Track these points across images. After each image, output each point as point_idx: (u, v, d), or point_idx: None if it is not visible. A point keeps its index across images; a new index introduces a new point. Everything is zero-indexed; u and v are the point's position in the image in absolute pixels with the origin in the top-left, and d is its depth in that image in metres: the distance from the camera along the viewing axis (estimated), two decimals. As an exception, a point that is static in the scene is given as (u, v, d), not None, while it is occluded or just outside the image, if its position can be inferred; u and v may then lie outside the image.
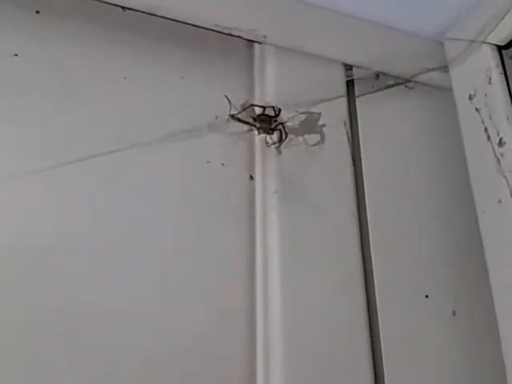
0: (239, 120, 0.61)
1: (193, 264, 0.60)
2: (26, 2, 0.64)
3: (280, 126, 0.63)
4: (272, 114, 0.63)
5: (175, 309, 0.57)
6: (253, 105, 0.63)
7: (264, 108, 0.63)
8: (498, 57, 0.72)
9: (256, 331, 0.60)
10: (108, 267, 0.57)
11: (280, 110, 0.63)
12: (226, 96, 0.61)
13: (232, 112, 0.62)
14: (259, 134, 0.63)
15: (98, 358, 0.53)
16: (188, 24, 0.68)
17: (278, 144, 0.64)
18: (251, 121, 0.62)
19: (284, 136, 0.63)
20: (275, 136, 0.63)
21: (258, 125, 0.62)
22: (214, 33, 0.69)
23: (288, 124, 0.66)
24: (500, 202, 0.66)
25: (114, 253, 0.58)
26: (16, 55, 0.62)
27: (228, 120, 0.62)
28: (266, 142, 0.64)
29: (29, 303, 0.53)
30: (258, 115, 0.63)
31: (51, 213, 0.57)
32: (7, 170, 0.57)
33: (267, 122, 0.62)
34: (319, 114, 0.68)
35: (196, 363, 0.56)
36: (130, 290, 0.56)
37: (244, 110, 0.61)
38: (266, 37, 0.70)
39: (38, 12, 0.64)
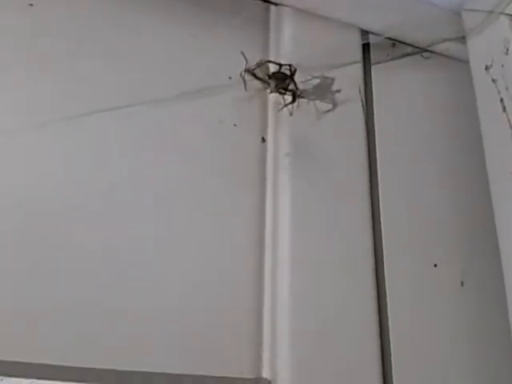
0: (254, 75, 0.60)
1: (203, 224, 0.59)
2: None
3: (294, 87, 0.62)
4: (288, 73, 0.62)
5: (184, 270, 0.57)
6: (269, 61, 0.62)
7: (280, 66, 0.62)
8: (516, 28, 0.71)
9: (264, 293, 0.59)
10: (117, 225, 0.56)
11: (296, 70, 0.62)
12: (241, 52, 0.60)
13: (247, 67, 0.60)
14: (271, 92, 0.62)
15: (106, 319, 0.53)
16: (203, -17, 0.67)
17: (290, 105, 0.63)
18: (266, 78, 0.61)
19: (297, 97, 0.62)
20: (288, 96, 0.62)
21: (272, 82, 0.61)
22: (231, -6, 0.68)
23: (302, 87, 0.65)
24: (513, 173, 0.65)
25: (123, 209, 0.57)
26: (31, 5, 0.61)
27: (242, 75, 0.61)
28: (279, 103, 0.63)
29: (37, 255, 0.52)
30: (273, 73, 0.62)
31: (60, 166, 0.56)
32: (17, 121, 0.56)
33: (282, 80, 0.61)
34: (333, 78, 0.67)
35: (201, 327, 0.55)
36: (137, 249, 0.56)
37: (259, 66, 0.60)
38: (282, -2, 0.70)
39: (52, -38, 0.63)
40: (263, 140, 0.65)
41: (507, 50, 0.70)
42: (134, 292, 0.54)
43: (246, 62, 0.60)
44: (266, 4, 0.71)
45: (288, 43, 0.69)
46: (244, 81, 0.60)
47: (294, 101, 0.61)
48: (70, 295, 0.52)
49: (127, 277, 0.55)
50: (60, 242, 0.53)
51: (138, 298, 0.54)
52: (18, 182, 0.55)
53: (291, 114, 0.62)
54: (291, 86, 0.61)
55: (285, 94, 0.61)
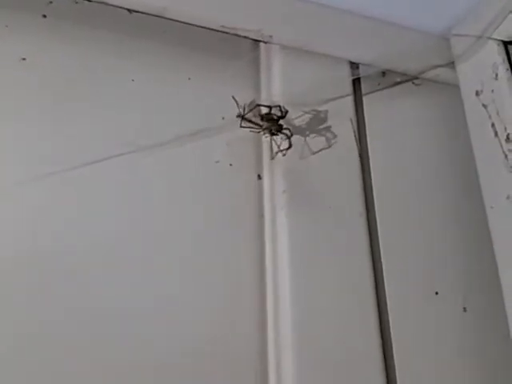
0: (247, 120, 0.61)
1: (202, 263, 0.60)
2: (33, 6, 0.64)
3: (287, 131, 0.63)
4: (278, 113, 0.63)
5: (185, 309, 0.58)
6: (259, 105, 0.63)
7: (270, 108, 0.63)
8: (504, 52, 0.72)
9: (267, 331, 0.60)
10: (120, 269, 0.57)
11: (287, 112, 0.63)
12: (233, 97, 0.61)
13: (239, 112, 0.61)
14: (264, 134, 0.63)
15: (109, 359, 0.54)
16: (194, 25, 0.68)
17: (283, 149, 0.64)
18: (258, 121, 0.62)
19: (289, 141, 0.63)
20: (280, 138, 0.63)
21: (264, 125, 0.62)
22: (220, 34, 0.69)
23: (295, 123, 0.66)
24: (509, 197, 0.66)
25: (126, 254, 0.58)
26: (24, 59, 0.62)
27: (237, 120, 0.62)
28: (271, 149, 0.64)
29: (44, 308, 0.53)
30: (265, 114, 0.63)
31: (63, 217, 0.57)
32: (16, 175, 0.57)
33: (273, 121, 0.62)
34: (326, 112, 0.69)
35: (205, 364, 0.56)
36: (140, 290, 0.57)
37: (251, 110, 0.61)
38: (271, 36, 0.71)
39: (44, 16, 0.65)
40: (259, 177, 0.66)
41: (496, 74, 0.71)
42: (141, 336, 0.55)
43: (238, 106, 0.61)
44: (255, 42, 0.72)
45: (279, 80, 0.70)
46: (234, 126, 0.61)
47: (289, 146, 0.62)
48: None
49: (133, 322, 0.55)
50: (65, 291, 0.55)
51: (144, 341, 0.55)
52: (20, 235, 0.56)
53: (284, 154, 0.63)
54: (284, 128, 0.62)
55: (276, 135, 0.62)
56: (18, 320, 0.52)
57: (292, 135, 0.62)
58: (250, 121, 0.62)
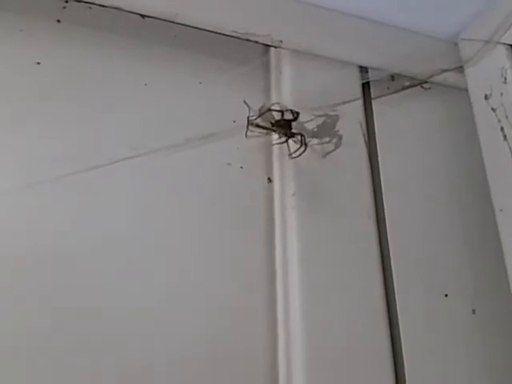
0: (258, 126, 0.61)
1: (213, 265, 0.61)
2: (47, 11, 0.66)
3: (300, 135, 0.64)
4: (290, 117, 0.64)
5: (195, 310, 0.58)
6: (270, 109, 0.64)
7: (282, 112, 0.63)
8: (513, 56, 0.72)
9: (277, 331, 0.60)
10: (130, 270, 0.58)
11: (298, 114, 0.64)
12: (244, 101, 0.62)
13: (251, 117, 0.62)
14: (279, 137, 0.64)
15: (116, 359, 0.54)
16: (205, 30, 0.69)
17: (297, 152, 0.64)
18: (269, 126, 0.63)
19: (303, 144, 0.64)
20: (294, 143, 0.64)
21: (276, 130, 0.62)
22: (231, 38, 0.70)
23: (305, 127, 0.66)
24: (518, 200, 0.66)
25: (137, 255, 0.59)
26: (38, 63, 0.63)
27: (249, 125, 0.63)
28: (289, 151, 0.65)
29: (49, 309, 0.54)
30: (277, 120, 0.63)
31: (74, 218, 0.58)
32: (29, 176, 0.58)
33: (285, 127, 0.63)
34: (335, 116, 0.69)
35: (215, 364, 0.57)
36: (150, 290, 0.57)
37: (261, 114, 0.62)
38: (281, 41, 0.71)
39: (58, 21, 0.66)
40: (269, 180, 0.67)
41: (505, 78, 0.71)
42: (150, 336, 0.56)
43: (249, 111, 0.61)
44: (266, 47, 0.73)
45: (289, 85, 0.70)
46: (246, 129, 0.62)
47: (301, 147, 0.62)
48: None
49: (141, 322, 0.56)
50: (73, 292, 0.55)
51: (152, 341, 0.56)
52: (26, 237, 0.56)
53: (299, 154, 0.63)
54: (296, 131, 0.62)
55: (288, 140, 0.63)
56: (24, 320, 0.53)
57: (305, 138, 0.63)
58: (262, 126, 0.62)
